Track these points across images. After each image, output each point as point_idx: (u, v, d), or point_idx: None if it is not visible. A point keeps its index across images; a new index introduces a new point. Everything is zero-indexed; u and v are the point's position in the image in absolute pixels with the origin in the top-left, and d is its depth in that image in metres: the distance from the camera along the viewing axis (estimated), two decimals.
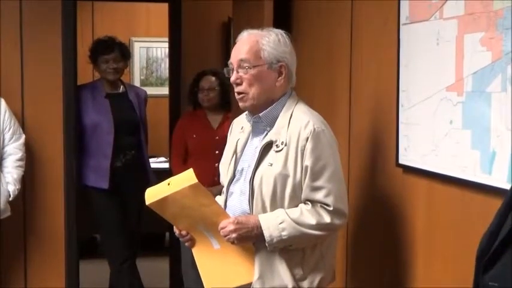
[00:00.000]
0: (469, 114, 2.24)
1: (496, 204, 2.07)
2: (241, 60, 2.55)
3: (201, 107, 4.82)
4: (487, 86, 2.13)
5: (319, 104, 3.43)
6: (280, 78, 2.56)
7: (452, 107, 2.33)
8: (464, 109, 2.26)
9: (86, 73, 5.78)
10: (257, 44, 2.54)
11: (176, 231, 2.64)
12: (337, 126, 3.31)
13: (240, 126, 2.75)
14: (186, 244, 2.66)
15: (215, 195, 3.12)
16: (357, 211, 3.23)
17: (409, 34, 2.65)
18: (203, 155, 4.70)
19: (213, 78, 4.77)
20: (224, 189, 2.73)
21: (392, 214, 2.87)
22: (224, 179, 2.74)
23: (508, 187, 2.02)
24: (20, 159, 4.32)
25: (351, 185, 3.27)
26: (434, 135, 2.46)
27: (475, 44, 2.19)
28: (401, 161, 2.74)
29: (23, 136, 4.36)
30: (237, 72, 2.57)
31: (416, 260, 2.69)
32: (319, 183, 2.46)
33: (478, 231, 2.20)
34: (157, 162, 6.62)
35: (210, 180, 4.60)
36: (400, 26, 2.71)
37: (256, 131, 2.64)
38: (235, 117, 2.90)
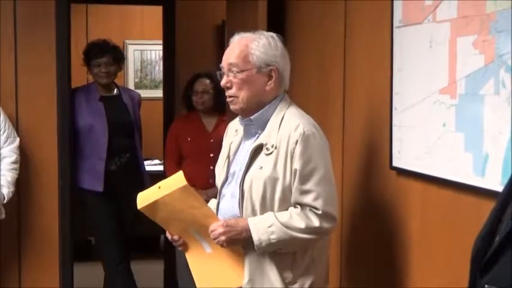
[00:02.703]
0: (462, 117, 2.25)
1: (489, 206, 2.08)
2: (230, 64, 2.56)
3: (195, 109, 4.82)
4: (480, 88, 2.14)
5: (312, 107, 3.43)
6: (270, 82, 2.56)
7: (445, 109, 2.34)
8: (458, 112, 2.27)
9: (80, 76, 5.77)
10: (246, 48, 2.54)
11: (169, 235, 2.65)
12: (331, 129, 3.32)
13: (234, 129, 2.75)
14: (179, 248, 2.67)
15: (210, 198, 3.13)
16: (351, 214, 3.24)
17: (402, 37, 2.66)
18: (198, 158, 4.70)
19: (208, 81, 4.76)
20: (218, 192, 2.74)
21: (386, 216, 2.88)
22: (218, 181, 2.75)
23: (500, 190, 2.02)
24: (14, 162, 4.31)
25: (345, 188, 3.28)
26: (428, 138, 2.47)
27: (468, 47, 2.20)
28: (395, 163, 2.75)
29: (18, 139, 4.35)
30: (227, 76, 2.57)
31: (410, 261, 2.69)
32: (308, 186, 2.46)
33: (472, 233, 2.20)
34: (152, 165, 6.61)
35: (204, 183, 4.61)
36: (394, 29, 2.72)
37: (248, 134, 2.64)
38: (230, 119, 2.90)
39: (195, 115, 4.83)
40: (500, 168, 2.05)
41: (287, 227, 2.44)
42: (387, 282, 2.88)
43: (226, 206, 2.63)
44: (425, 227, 2.58)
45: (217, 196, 2.72)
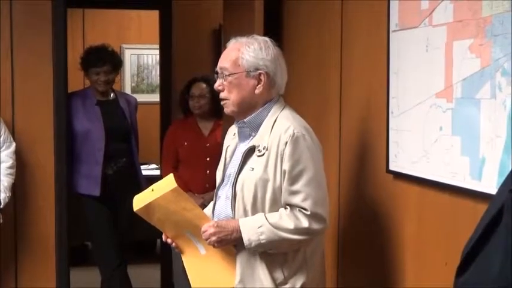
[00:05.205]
0: (459, 121, 2.25)
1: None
2: (221, 68, 2.62)
3: (192, 114, 4.82)
4: (476, 92, 2.14)
5: (309, 111, 3.44)
6: (259, 85, 2.59)
7: (441, 113, 2.34)
8: (454, 115, 2.28)
9: (77, 79, 5.77)
10: (238, 52, 2.59)
11: (164, 237, 2.69)
12: (328, 133, 3.33)
13: (232, 133, 2.79)
14: (177, 250, 2.71)
15: (207, 202, 3.13)
16: (347, 217, 3.24)
17: (398, 41, 2.67)
18: (194, 162, 4.70)
19: (204, 85, 4.76)
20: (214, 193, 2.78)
21: (382, 220, 2.88)
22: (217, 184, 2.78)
23: None
24: (10, 167, 4.30)
25: (342, 191, 3.28)
26: (424, 142, 2.47)
27: (464, 51, 2.20)
28: (392, 167, 2.75)
29: (14, 144, 4.35)
30: (220, 79, 2.62)
31: (406, 265, 2.70)
32: (296, 187, 2.48)
33: (468, 236, 2.21)
34: (149, 169, 6.62)
35: (201, 187, 4.61)
36: (390, 33, 2.72)
37: (242, 136, 2.68)
38: (226, 124, 2.92)
39: (191, 119, 4.83)
40: (497, 172, 2.05)
41: (276, 227, 2.46)
42: (383, 285, 2.88)
43: (221, 207, 2.66)
44: (421, 231, 2.58)
45: (214, 198, 2.75)
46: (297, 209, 2.48)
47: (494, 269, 1.29)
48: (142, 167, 5.34)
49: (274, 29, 4.02)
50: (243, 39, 2.63)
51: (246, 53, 2.58)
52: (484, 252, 1.35)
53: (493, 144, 2.07)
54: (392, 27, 2.71)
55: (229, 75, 2.59)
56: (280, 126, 2.54)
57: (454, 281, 1.42)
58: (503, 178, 1.99)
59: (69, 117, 4.66)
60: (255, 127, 2.61)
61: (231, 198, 2.58)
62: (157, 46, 6.19)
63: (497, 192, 1.43)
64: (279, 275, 2.53)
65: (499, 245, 1.30)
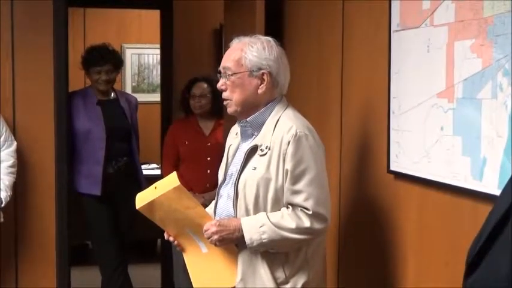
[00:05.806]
0: (460, 121, 2.25)
1: (487, 210, 2.08)
2: (224, 67, 2.63)
3: (193, 113, 4.82)
4: (477, 92, 2.14)
5: (310, 110, 3.44)
6: (262, 85, 2.60)
7: (443, 113, 2.34)
8: (455, 116, 2.27)
9: (77, 78, 5.77)
10: (240, 51, 2.60)
11: (166, 235, 2.70)
12: (329, 133, 3.33)
13: (235, 132, 2.80)
14: (177, 248, 2.72)
15: (208, 201, 3.13)
16: (348, 217, 3.24)
17: (400, 41, 2.67)
18: (195, 162, 4.70)
19: (205, 85, 4.77)
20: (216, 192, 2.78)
21: (383, 220, 2.88)
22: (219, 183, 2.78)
23: (498, 193, 2.03)
24: (11, 166, 4.30)
25: (343, 191, 3.28)
26: (426, 142, 2.47)
27: (465, 51, 2.20)
28: (393, 167, 2.75)
29: (15, 143, 4.34)
30: (223, 78, 2.63)
31: (407, 265, 2.69)
32: (298, 186, 2.48)
33: (469, 237, 2.21)
34: (150, 169, 6.61)
35: (202, 187, 4.62)
36: (391, 33, 2.72)
37: (244, 135, 2.69)
38: (228, 123, 2.92)
39: (192, 119, 4.83)
40: (498, 172, 2.05)
41: (278, 227, 2.47)
42: (384, 285, 2.88)
43: (222, 206, 2.67)
44: (422, 231, 2.58)
45: (216, 196, 2.76)
46: (299, 208, 2.49)
47: (503, 269, 1.29)
48: (142, 166, 5.35)
49: (275, 29, 4.02)
50: (246, 39, 2.64)
51: (249, 52, 2.59)
52: (492, 252, 1.35)
53: (494, 145, 2.07)
54: (393, 27, 2.71)
55: (232, 74, 2.59)
56: (282, 126, 2.54)
57: (462, 282, 1.42)
58: (504, 178, 2.00)
59: (70, 116, 4.66)
60: (258, 126, 2.62)
61: (232, 197, 2.58)
62: (158, 46, 6.19)
63: (502, 193, 1.43)
64: (280, 274, 2.54)
65: (506, 245, 1.30)
